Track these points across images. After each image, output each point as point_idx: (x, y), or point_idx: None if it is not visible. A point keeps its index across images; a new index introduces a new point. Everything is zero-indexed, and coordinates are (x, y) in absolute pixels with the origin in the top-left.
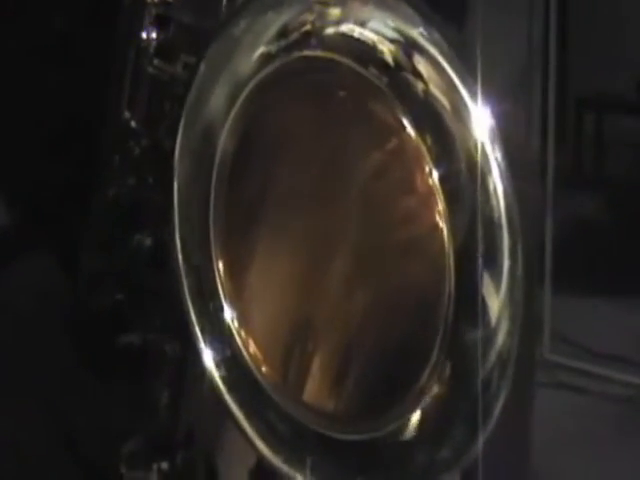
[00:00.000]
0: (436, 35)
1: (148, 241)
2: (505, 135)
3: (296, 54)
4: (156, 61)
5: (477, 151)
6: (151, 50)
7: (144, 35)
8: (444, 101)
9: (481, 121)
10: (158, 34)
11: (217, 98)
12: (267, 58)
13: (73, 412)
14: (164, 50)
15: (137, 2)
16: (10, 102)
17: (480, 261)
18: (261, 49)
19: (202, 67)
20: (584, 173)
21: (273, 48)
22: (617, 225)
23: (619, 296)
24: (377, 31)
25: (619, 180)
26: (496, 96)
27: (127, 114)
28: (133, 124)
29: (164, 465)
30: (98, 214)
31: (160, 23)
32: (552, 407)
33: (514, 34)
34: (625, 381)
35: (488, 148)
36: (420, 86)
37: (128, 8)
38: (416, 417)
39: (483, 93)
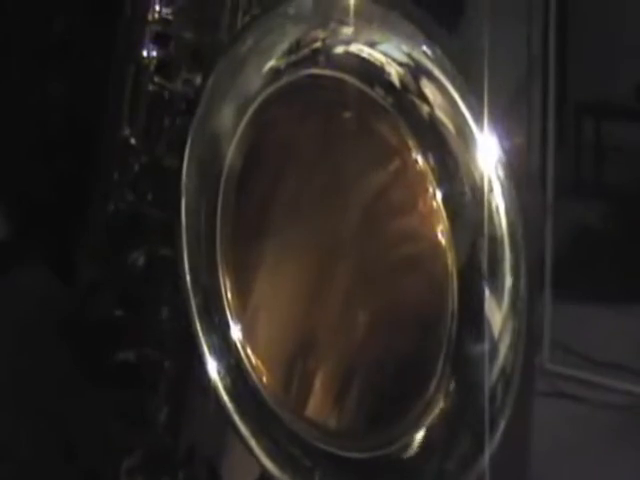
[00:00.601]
0: (441, 55)
1: (146, 257)
2: (510, 165)
3: (304, 71)
4: (156, 78)
5: (482, 180)
6: (151, 67)
7: (144, 53)
8: (449, 124)
9: (488, 151)
10: (158, 51)
11: (224, 113)
12: (276, 73)
13: (72, 427)
14: (164, 67)
15: (137, 19)
16: (9, 114)
17: (481, 277)
18: (270, 63)
19: (210, 82)
20: (584, 180)
21: (282, 63)
22: (618, 233)
23: (619, 305)
24: (386, 53)
25: (619, 187)
26: (501, 121)
27: (127, 131)
28: (132, 141)
29: None
30: (96, 229)
31: (160, 40)
32: (552, 416)
33: (514, 41)
34: (625, 390)
35: (491, 167)
36: (425, 109)
37: (128, 25)
38: (421, 433)
39: (489, 120)
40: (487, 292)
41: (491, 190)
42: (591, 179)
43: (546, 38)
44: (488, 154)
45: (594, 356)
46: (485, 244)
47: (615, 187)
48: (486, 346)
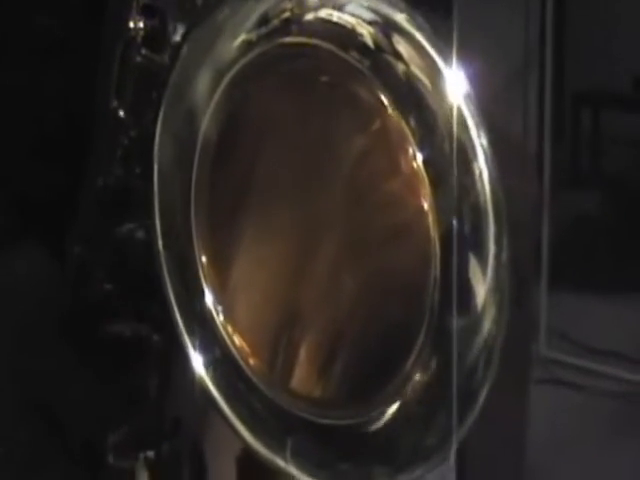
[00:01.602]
0: (416, 15)
1: (136, 231)
2: (480, 96)
3: (277, 41)
4: (144, 51)
5: (458, 126)
6: (139, 40)
7: (132, 25)
8: (425, 80)
9: (457, 85)
10: (146, 24)
11: (200, 82)
12: (248, 45)
13: (60, 402)
14: (152, 40)
15: None
16: None
17: (464, 244)
18: (242, 37)
19: (184, 51)
20: (581, 169)
21: (254, 36)
22: (614, 221)
23: (615, 293)
24: (355, 14)
25: (616, 176)
26: (483, 80)
27: (115, 103)
28: (121, 113)
29: (150, 454)
30: (86, 204)
31: (148, 13)
32: (548, 403)
33: (511, 31)
34: (621, 377)
35: (473, 133)
36: (401, 67)
37: None
38: (401, 403)
39: (458, 58)
40: (470, 260)
41: (475, 157)
42: (588, 169)
43: (543, 28)
44: (460, 95)
45: (590, 344)
46: (455, 182)
47: (612, 177)
48: (458, 318)
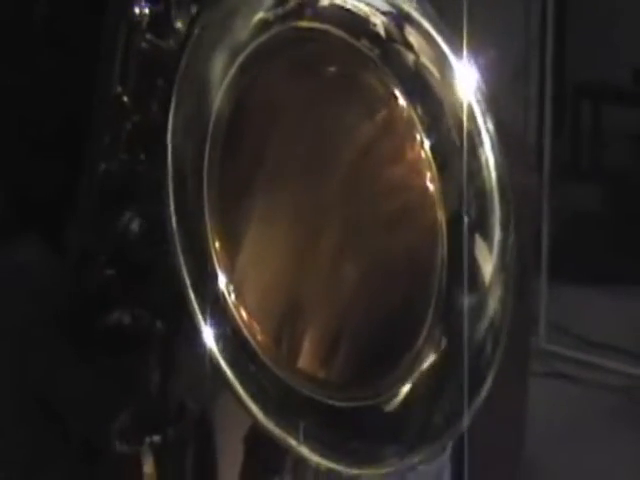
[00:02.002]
0: (426, 5)
1: (139, 218)
2: (490, 88)
3: (291, 24)
4: (148, 35)
5: (465, 114)
6: (144, 25)
7: (136, 10)
8: (434, 71)
9: (469, 84)
10: (151, 9)
11: (212, 64)
12: (264, 25)
13: (64, 389)
14: (157, 25)
15: None
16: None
17: (471, 228)
18: (260, 14)
19: (197, 32)
20: (581, 163)
21: (271, 15)
22: (614, 215)
23: (615, 286)
24: (370, 3)
25: (616, 170)
26: (488, 67)
27: (119, 89)
28: (125, 99)
29: (156, 439)
30: (88, 190)
31: None
32: (548, 396)
33: (512, 24)
34: (621, 371)
35: (479, 120)
36: (411, 57)
37: None
38: (410, 384)
39: (469, 51)
40: (477, 243)
41: (481, 143)
42: (588, 162)
43: (544, 21)
44: (471, 91)
45: (590, 337)
46: (464, 173)
47: (612, 170)
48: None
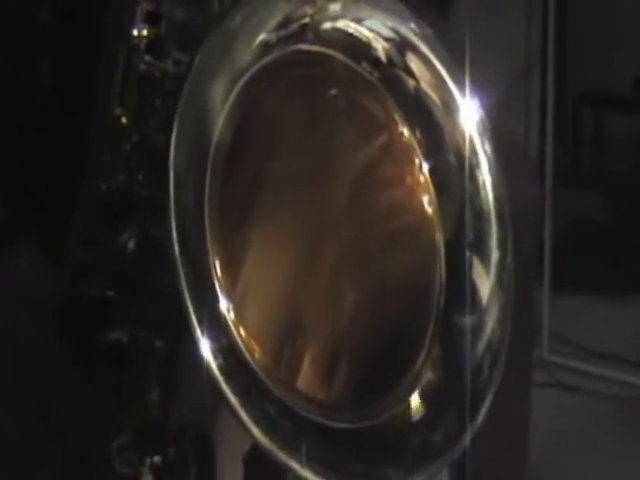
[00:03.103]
0: (428, 32)
1: (137, 236)
2: (492, 125)
3: (292, 47)
4: (147, 57)
5: (466, 143)
6: (142, 47)
7: (135, 32)
8: (434, 97)
9: (469, 113)
10: (149, 31)
11: (214, 89)
12: (266, 47)
13: (63, 407)
14: (155, 47)
15: None
16: (1, 100)
17: (469, 249)
18: (261, 37)
19: (198, 59)
20: (583, 171)
21: (273, 37)
22: (616, 223)
23: (618, 296)
24: (372, 29)
25: (618, 177)
26: (487, 90)
27: (118, 110)
28: (124, 120)
29: (156, 459)
30: (87, 209)
31: (151, 20)
32: (551, 407)
33: (513, 32)
34: (624, 381)
35: (477, 141)
36: (411, 83)
37: (119, 4)
38: (409, 404)
39: (471, 86)
40: (475, 264)
41: (477, 165)
42: (590, 170)
43: (545, 29)
44: (471, 120)
45: (593, 347)
46: (468, 210)
47: (614, 178)
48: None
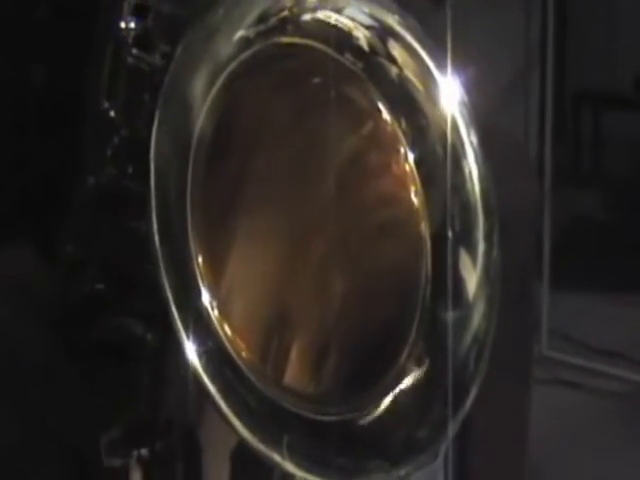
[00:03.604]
0: (409, 18)
1: (129, 229)
2: (475, 98)
3: (273, 40)
4: (135, 51)
5: (449, 127)
6: (130, 40)
7: (123, 25)
8: (418, 84)
9: (452, 95)
10: (137, 24)
11: (195, 82)
12: (246, 42)
13: (53, 401)
14: (143, 40)
15: None
16: None
17: (455, 242)
18: (240, 33)
19: (179, 52)
20: (582, 170)
21: (252, 33)
22: (616, 221)
23: (617, 293)
24: (353, 18)
25: (617, 176)
26: (469, 70)
27: (106, 104)
28: (112, 114)
29: (144, 452)
30: (78, 203)
31: (139, 13)
32: (550, 403)
33: (512, 30)
34: (623, 377)
35: (463, 132)
36: (394, 70)
37: None
38: (394, 397)
39: (453, 64)
40: (461, 257)
41: (464, 156)
42: (589, 169)
43: (545, 27)
44: (452, 98)
45: (592, 343)
46: (451, 197)
47: (613, 177)
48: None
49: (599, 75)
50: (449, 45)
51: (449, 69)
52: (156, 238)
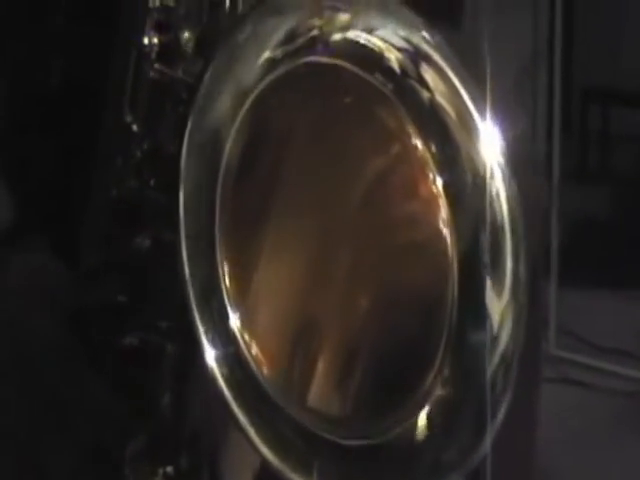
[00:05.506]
0: (441, 41)
1: (149, 242)
2: (512, 155)
3: (301, 60)
4: (157, 65)
5: (483, 166)
6: (153, 55)
7: (146, 40)
8: (449, 110)
9: (489, 138)
10: (159, 39)
11: (223, 104)
12: (272, 63)
13: (74, 413)
14: (165, 55)
15: (139, 7)
16: (12, 98)
17: (484, 265)
18: (266, 54)
19: (208, 74)
20: (590, 167)
21: (279, 53)
22: (623, 219)
23: (625, 291)
24: (385, 39)
25: (625, 174)
26: (504, 108)
27: (129, 117)
28: (134, 127)
29: (169, 469)
30: (99, 215)
31: (161, 28)
32: (558, 402)
33: (520, 27)
34: (631, 376)
35: (491, 153)
36: (426, 94)
37: (129, 12)
38: (421, 420)
39: (491, 108)
40: (488, 279)
41: (492, 176)
42: (597, 166)
43: (552, 24)
44: (490, 141)
45: (600, 342)
46: (487, 231)
47: (620, 174)
48: (487, 334)
49: (607, 72)
50: (488, 86)
51: (488, 110)
52: (184, 248)
